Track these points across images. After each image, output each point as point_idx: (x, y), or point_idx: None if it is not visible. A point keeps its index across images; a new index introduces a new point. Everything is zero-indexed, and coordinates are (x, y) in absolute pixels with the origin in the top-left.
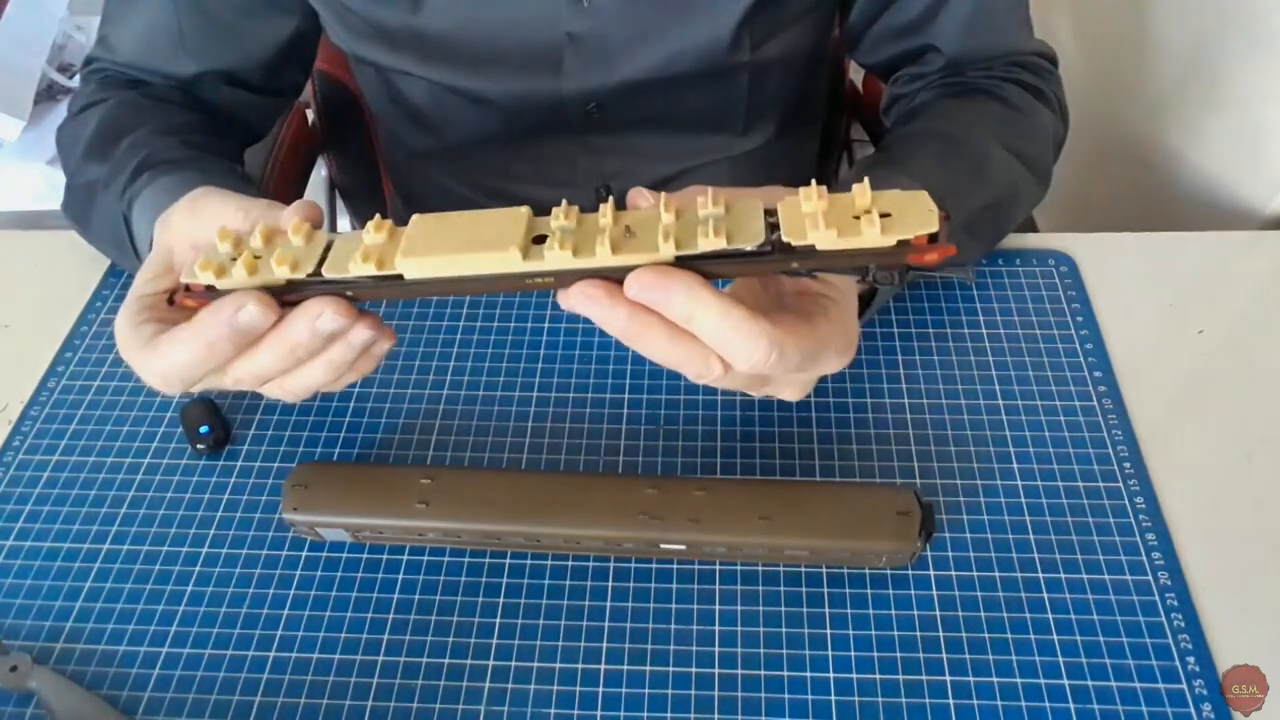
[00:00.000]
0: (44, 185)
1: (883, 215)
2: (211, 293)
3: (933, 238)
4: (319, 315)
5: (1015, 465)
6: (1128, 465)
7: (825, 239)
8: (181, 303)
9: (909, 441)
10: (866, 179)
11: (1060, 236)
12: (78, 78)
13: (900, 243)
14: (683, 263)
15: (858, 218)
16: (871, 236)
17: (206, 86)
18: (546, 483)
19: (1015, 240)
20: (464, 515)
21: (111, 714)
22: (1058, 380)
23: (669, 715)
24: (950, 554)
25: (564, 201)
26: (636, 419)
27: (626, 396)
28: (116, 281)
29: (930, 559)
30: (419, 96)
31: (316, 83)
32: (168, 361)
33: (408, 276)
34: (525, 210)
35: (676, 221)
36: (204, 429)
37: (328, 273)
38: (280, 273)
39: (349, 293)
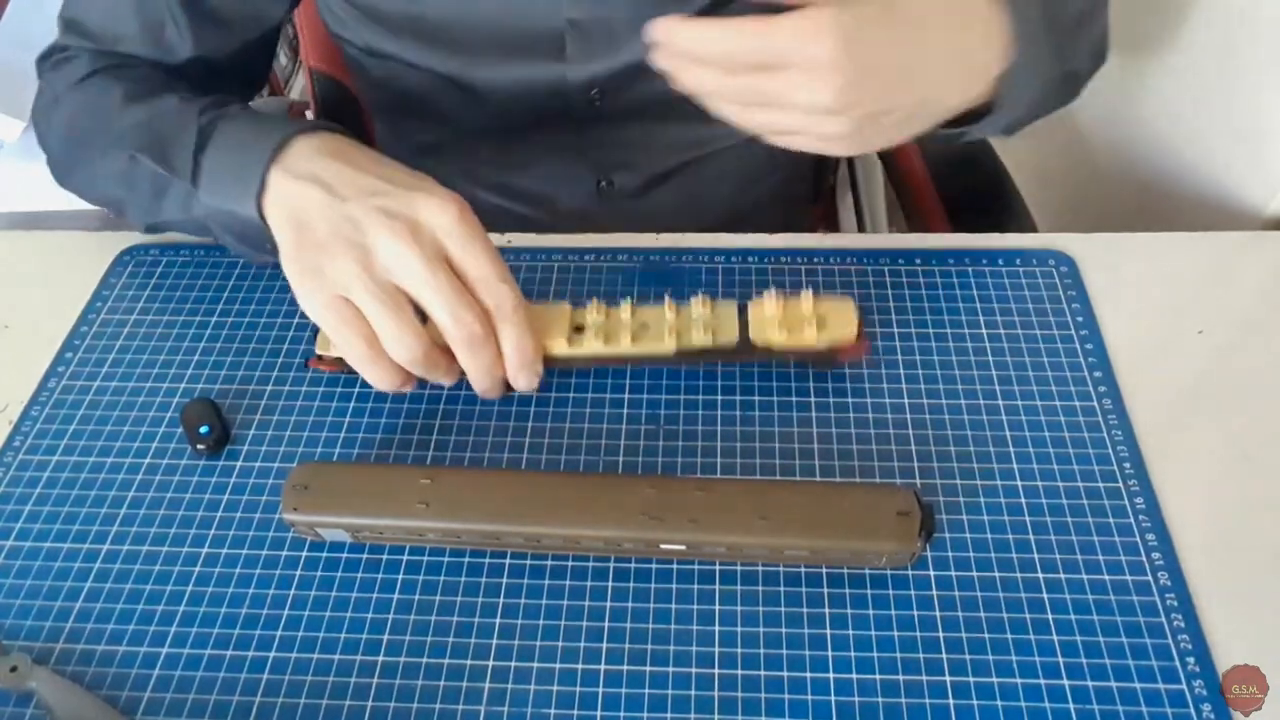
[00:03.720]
0: (44, 185)
1: (819, 320)
2: (340, 363)
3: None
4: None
5: (1015, 465)
6: (1128, 465)
7: (778, 340)
8: (314, 365)
9: (909, 441)
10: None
11: (1060, 236)
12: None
13: (830, 348)
14: (682, 355)
15: (804, 321)
16: (809, 339)
17: (189, 72)
18: (546, 483)
19: (1015, 240)
20: (464, 515)
21: (111, 714)
22: (1058, 380)
23: (669, 715)
24: (950, 554)
25: (593, 300)
26: (636, 419)
27: (627, 396)
28: (116, 282)
29: (930, 559)
30: (418, 88)
31: (314, 83)
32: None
33: None
34: (567, 306)
35: (677, 319)
36: (204, 429)
37: None
38: None
39: None
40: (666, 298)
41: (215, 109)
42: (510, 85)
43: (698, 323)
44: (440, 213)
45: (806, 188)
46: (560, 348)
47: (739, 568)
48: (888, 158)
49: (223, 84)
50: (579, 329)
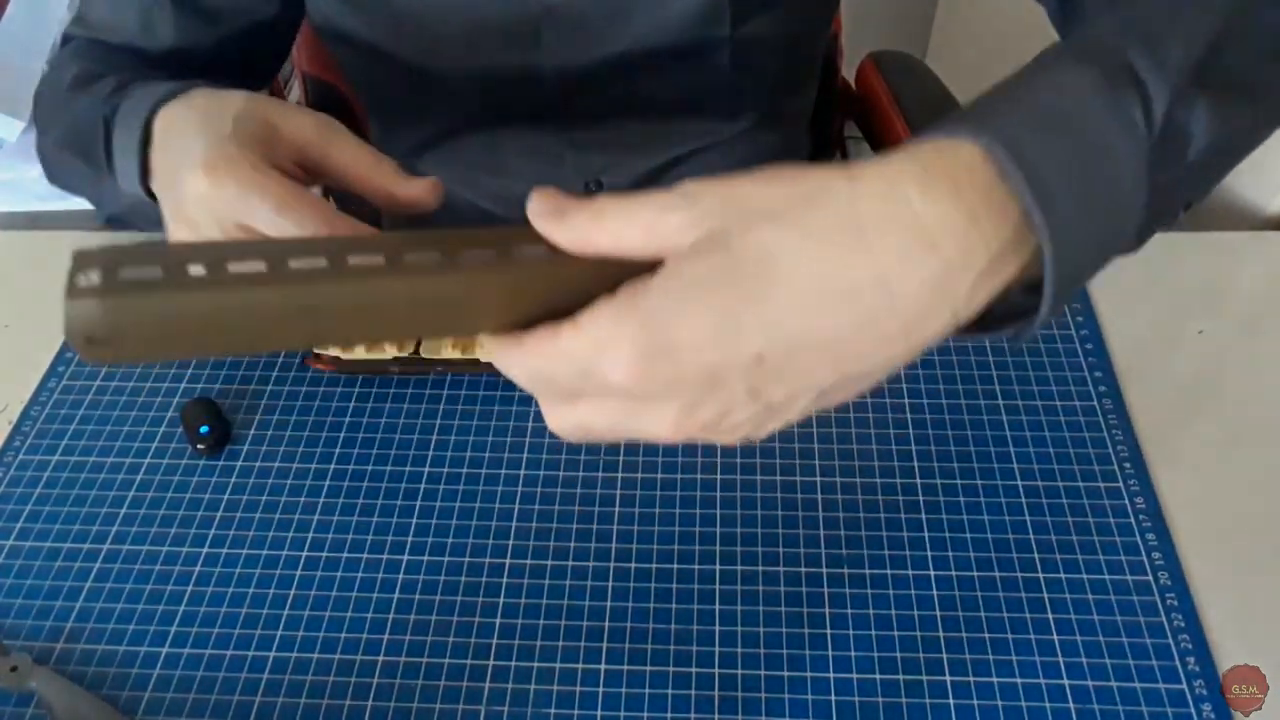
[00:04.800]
0: (44, 185)
1: None
2: (337, 362)
3: None
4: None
5: (1015, 465)
6: (1128, 465)
7: None
8: (313, 365)
9: (909, 441)
10: None
11: None
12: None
13: None
14: None
15: None
16: None
17: (176, 65)
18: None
19: None
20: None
21: (111, 714)
22: (1058, 380)
23: (669, 715)
24: (950, 554)
25: None
26: None
27: None
28: None
29: (930, 559)
30: (398, 85)
31: (308, 88)
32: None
33: (483, 360)
34: None
35: None
36: (204, 429)
37: (424, 353)
38: (390, 352)
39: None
40: None
41: (120, 92)
42: (482, 75)
43: None
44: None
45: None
46: None
47: (739, 568)
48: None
49: (214, 79)
50: None
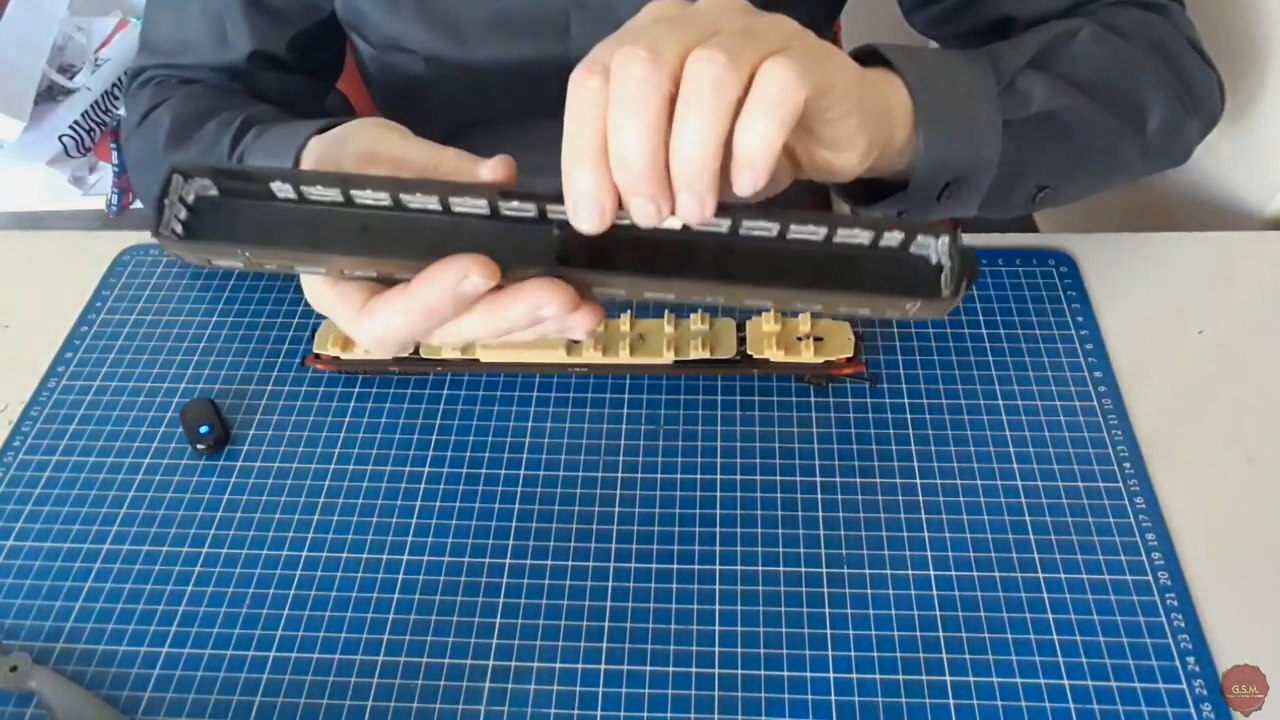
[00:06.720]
0: (44, 185)
1: (816, 339)
2: (337, 362)
3: (850, 360)
4: (542, 306)
5: (1015, 465)
6: (1128, 465)
7: (776, 355)
8: (313, 365)
9: (909, 441)
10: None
11: (1060, 236)
12: (72, 76)
13: (826, 361)
14: (680, 365)
15: (800, 339)
16: (807, 356)
17: (255, 72)
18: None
19: (1015, 240)
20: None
21: (111, 714)
22: (1058, 380)
23: (669, 715)
24: (950, 554)
25: None
26: (636, 419)
27: (627, 397)
28: (116, 282)
29: (930, 559)
30: (421, 75)
31: None
32: (384, 328)
33: (483, 360)
34: None
35: (675, 332)
36: (204, 429)
37: (424, 354)
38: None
39: (438, 368)
40: (666, 311)
41: (238, 143)
42: (511, 66)
43: (696, 337)
44: None
45: (801, 185)
46: (558, 356)
47: (739, 568)
48: None
49: (290, 80)
50: (577, 340)
